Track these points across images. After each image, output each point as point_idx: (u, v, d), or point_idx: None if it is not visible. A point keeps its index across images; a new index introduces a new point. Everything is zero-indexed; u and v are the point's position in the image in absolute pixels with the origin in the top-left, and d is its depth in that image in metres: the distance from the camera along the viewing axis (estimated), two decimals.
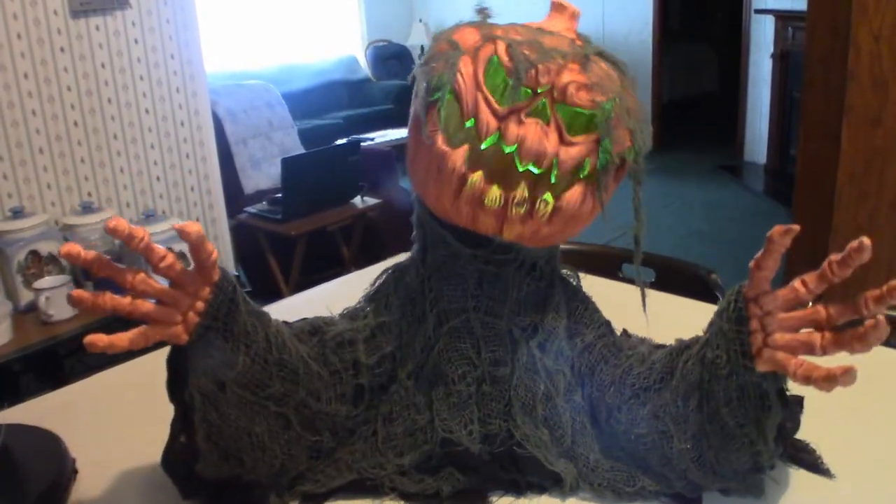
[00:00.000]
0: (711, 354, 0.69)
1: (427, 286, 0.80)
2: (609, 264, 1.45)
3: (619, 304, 0.88)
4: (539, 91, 0.70)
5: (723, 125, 6.65)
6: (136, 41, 2.58)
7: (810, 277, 0.64)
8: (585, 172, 0.72)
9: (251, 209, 3.50)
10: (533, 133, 0.70)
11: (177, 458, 0.77)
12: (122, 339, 0.66)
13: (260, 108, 4.11)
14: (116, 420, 0.98)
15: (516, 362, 0.79)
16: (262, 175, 3.96)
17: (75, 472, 0.86)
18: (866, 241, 0.60)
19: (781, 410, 0.69)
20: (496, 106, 0.70)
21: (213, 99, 3.25)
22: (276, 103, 4.24)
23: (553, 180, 0.71)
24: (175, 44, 2.69)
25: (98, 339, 0.65)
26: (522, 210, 0.71)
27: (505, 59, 0.71)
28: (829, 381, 0.61)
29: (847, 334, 0.62)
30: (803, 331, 0.65)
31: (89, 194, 2.54)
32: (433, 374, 0.79)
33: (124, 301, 0.67)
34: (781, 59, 5.20)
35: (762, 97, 5.63)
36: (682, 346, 0.76)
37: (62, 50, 2.40)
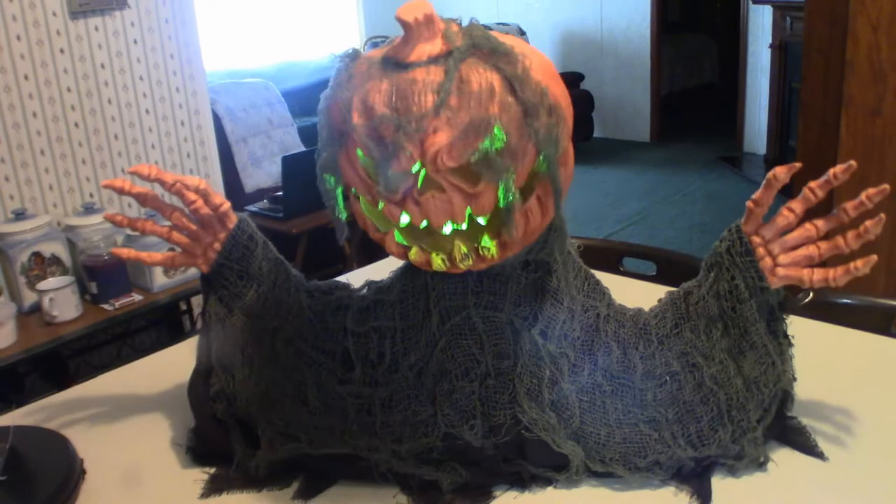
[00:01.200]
0: (728, 286, 0.80)
1: (430, 285, 0.81)
2: (609, 258, 1.45)
3: (621, 297, 0.88)
4: (415, 170, 0.67)
5: (722, 116, 6.64)
6: (135, 41, 2.59)
7: (795, 204, 0.78)
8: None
9: (252, 208, 3.51)
10: (433, 208, 0.69)
11: (198, 387, 0.88)
12: (153, 256, 0.86)
13: (259, 107, 4.11)
14: (124, 421, 0.98)
15: (519, 351, 0.79)
16: (262, 173, 3.96)
17: (84, 472, 0.87)
18: (853, 163, 0.74)
19: (784, 318, 0.83)
20: (388, 197, 0.69)
21: (212, 98, 3.25)
22: (275, 101, 4.25)
23: (484, 222, 0.71)
24: (174, 43, 2.69)
25: (125, 252, 0.85)
26: (470, 262, 0.73)
27: (367, 152, 0.68)
28: (848, 274, 0.76)
29: (839, 238, 0.77)
30: (802, 247, 0.79)
31: (91, 195, 2.54)
32: (437, 371, 0.80)
33: (163, 229, 0.84)
34: (780, 49, 5.19)
35: (761, 88, 5.62)
36: (683, 294, 0.85)
37: (62, 51, 2.41)
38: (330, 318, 0.88)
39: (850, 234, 0.77)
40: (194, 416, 0.89)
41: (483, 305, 0.80)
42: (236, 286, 0.86)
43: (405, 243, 0.75)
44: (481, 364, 0.79)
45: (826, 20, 2.31)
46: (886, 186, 0.75)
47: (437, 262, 0.73)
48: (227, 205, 0.84)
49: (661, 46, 6.39)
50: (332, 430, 0.82)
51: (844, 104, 2.24)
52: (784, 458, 0.82)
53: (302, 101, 5.69)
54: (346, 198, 0.76)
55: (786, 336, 0.84)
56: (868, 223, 0.75)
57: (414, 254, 0.74)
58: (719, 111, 6.97)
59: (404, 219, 0.71)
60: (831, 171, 0.75)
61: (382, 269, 0.91)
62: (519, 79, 0.66)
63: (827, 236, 0.79)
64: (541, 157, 0.69)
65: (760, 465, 0.80)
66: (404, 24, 0.67)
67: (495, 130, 0.65)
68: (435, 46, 0.67)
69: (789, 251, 0.80)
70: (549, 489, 0.80)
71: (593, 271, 0.88)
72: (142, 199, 0.82)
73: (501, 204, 0.68)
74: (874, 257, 0.75)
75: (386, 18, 7.55)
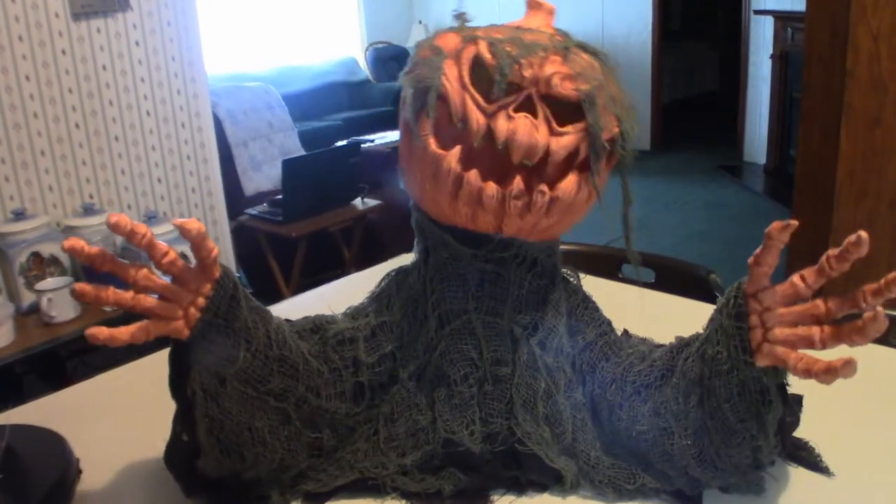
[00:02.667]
0: (712, 351, 0.69)
1: (429, 288, 0.81)
2: (609, 265, 1.45)
3: (619, 304, 0.88)
4: (524, 85, 0.71)
5: (723, 125, 6.66)
6: (137, 43, 2.59)
7: (809, 272, 0.65)
8: (578, 160, 0.73)
9: (252, 211, 3.51)
10: (523, 126, 0.71)
11: (179, 454, 0.79)
12: (123, 332, 0.68)
13: (260, 110, 4.11)
14: (120, 420, 0.98)
15: (517, 361, 0.79)
16: (262, 177, 3.96)
17: (79, 471, 0.86)
18: (864, 234, 0.60)
19: (782, 405, 0.70)
20: (484, 104, 0.72)
21: (213, 101, 3.26)
22: (276, 105, 4.25)
23: (548, 170, 0.72)
24: (176, 46, 2.70)
25: (99, 332, 0.67)
26: (520, 203, 0.72)
27: (488, 56, 0.72)
28: (829, 373, 0.61)
29: (846, 327, 0.63)
30: (802, 325, 0.66)
31: (91, 196, 2.54)
32: (435, 376, 0.80)
33: (126, 295, 0.68)
34: (781, 59, 5.20)
35: (762, 97, 5.63)
36: (682, 344, 0.76)
37: (63, 52, 2.41)
38: (334, 355, 0.81)
39: (856, 328, 0.62)
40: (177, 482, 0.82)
41: (483, 310, 0.79)
42: (225, 347, 0.72)
43: (466, 163, 0.73)
44: (480, 369, 0.79)
45: (827, 30, 2.32)
46: None
47: (491, 188, 0.72)
48: (217, 250, 0.71)
49: (662, 55, 6.40)
50: (341, 464, 0.81)
51: (845, 113, 2.24)
52: (777, 467, 0.82)
53: (302, 105, 5.71)
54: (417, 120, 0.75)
55: (780, 426, 0.71)
56: (867, 317, 0.61)
57: (472, 176, 0.72)
58: (720, 120, 6.98)
59: (502, 128, 0.72)
60: (847, 241, 0.61)
61: (381, 274, 0.91)
62: (611, 73, 0.77)
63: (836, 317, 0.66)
64: (621, 134, 0.75)
65: (757, 487, 0.77)
66: (533, 3, 0.80)
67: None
68: (549, 27, 0.79)
69: (787, 326, 0.66)
70: (546, 495, 0.80)
71: (591, 277, 0.87)
72: (99, 262, 0.67)
73: (591, 151, 0.73)
74: (854, 361, 0.60)
75: (387, 23, 7.56)
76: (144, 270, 0.69)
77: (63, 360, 2.40)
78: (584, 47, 0.77)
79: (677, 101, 7.34)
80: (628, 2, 6.36)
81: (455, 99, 0.72)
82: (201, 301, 0.70)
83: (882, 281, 0.61)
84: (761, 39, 5.59)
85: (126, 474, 0.87)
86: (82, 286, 0.67)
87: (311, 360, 0.78)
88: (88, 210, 2.39)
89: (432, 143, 0.74)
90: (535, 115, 0.72)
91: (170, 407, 1.01)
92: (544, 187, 0.73)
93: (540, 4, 0.80)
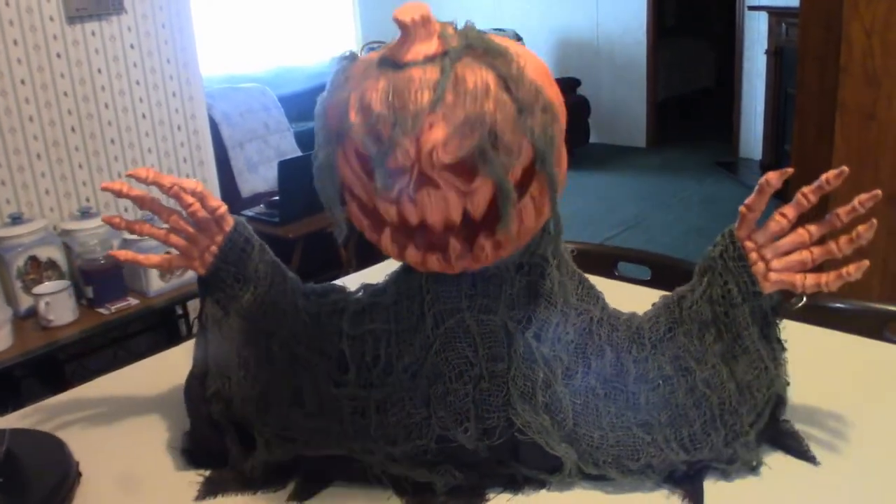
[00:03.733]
0: (721, 291, 0.81)
1: (424, 287, 0.81)
2: (605, 262, 1.46)
3: (616, 301, 0.89)
4: (411, 166, 0.67)
5: (718, 121, 6.66)
6: (131, 46, 2.59)
7: (788, 209, 0.79)
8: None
9: (248, 212, 3.50)
10: (429, 205, 0.69)
11: (194, 388, 0.88)
12: (150, 258, 0.86)
13: (256, 112, 4.11)
14: (120, 424, 0.98)
15: (513, 355, 0.80)
16: (258, 178, 3.96)
17: (79, 475, 0.87)
18: (846, 168, 0.75)
19: (777, 323, 0.83)
20: (384, 192, 0.70)
21: (208, 102, 3.25)
22: (272, 106, 4.25)
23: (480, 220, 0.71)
24: (171, 48, 2.69)
25: (120, 254, 0.86)
26: (465, 260, 0.73)
27: (364, 148, 0.68)
28: (840, 278, 0.77)
29: (832, 243, 0.78)
30: (795, 252, 0.80)
31: (87, 199, 2.54)
32: (431, 373, 0.80)
33: (160, 231, 0.85)
34: (775, 55, 5.20)
35: (757, 93, 5.63)
36: (676, 299, 0.85)
37: (58, 56, 2.41)
38: (325, 320, 0.88)
39: (843, 239, 0.77)
40: (190, 418, 0.89)
41: (477, 308, 0.80)
42: (233, 288, 0.86)
43: (400, 242, 0.75)
44: (475, 367, 0.79)
45: (821, 25, 2.32)
46: (878, 192, 0.75)
47: (432, 261, 0.72)
48: (223, 208, 0.85)
49: (658, 52, 6.40)
50: (328, 433, 0.82)
51: (839, 109, 2.24)
52: (776, 462, 0.83)
53: (298, 106, 5.70)
54: (342, 200, 0.77)
55: (779, 341, 0.84)
56: (860, 228, 0.75)
57: (410, 254, 0.73)
58: (715, 116, 6.98)
59: (410, 214, 0.70)
60: (824, 177, 0.75)
61: (378, 274, 0.91)
62: (513, 78, 0.67)
63: (821, 241, 0.79)
64: (537, 155, 0.69)
65: (753, 468, 0.81)
66: (401, 24, 0.68)
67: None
68: (431, 46, 0.68)
69: (782, 256, 0.80)
70: (543, 491, 0.80)
71: (588, 276, 0.88)
72: (140, 202, 0.83)
73: (500, 201, 0.69)
74: (866, 262, 0.76)
75: (382, 23, 7.55)
76: (175, 216, 0.85)
77: (61, 364, 2.40)
78: (471, 49, 0.68)
79: (673, 97, 7.34)
80: None
81: (361, 193, 0.73)
82: (214, 249, 0.85)
83: (855, 201, 0.75)
84: (756, 35, 5.59)
85: (126, 478, 0.87)
86: (111, 216, 0.83)
87: (302, 314, 0.87)
88: (85, 213, 2.39)
89: (367, 230, 0.76)
90: (436, 186, 0.68)
91: (169, 410, 1.01)
92: (483, 242, 0.71)
93: (407, 27, 0.68)
